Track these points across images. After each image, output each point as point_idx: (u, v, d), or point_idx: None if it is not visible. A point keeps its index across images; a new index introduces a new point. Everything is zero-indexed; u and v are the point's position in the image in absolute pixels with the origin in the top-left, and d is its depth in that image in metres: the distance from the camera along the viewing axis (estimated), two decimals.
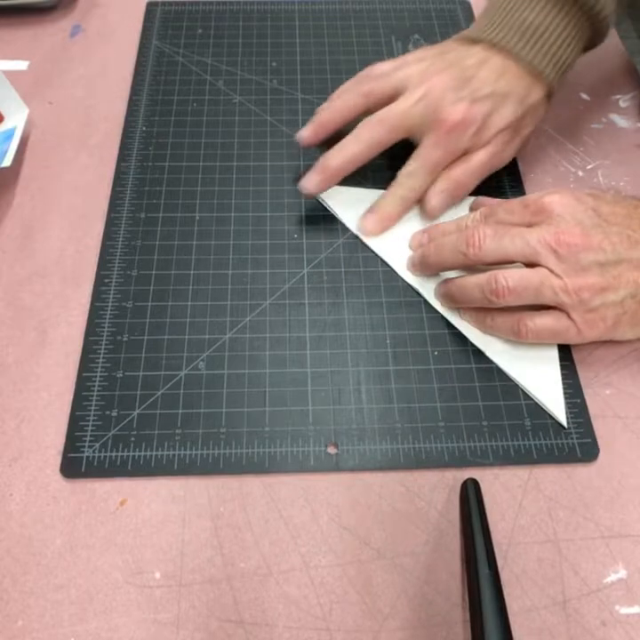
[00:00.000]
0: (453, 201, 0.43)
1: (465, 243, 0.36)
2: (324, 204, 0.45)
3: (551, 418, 0.37)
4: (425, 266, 0.40)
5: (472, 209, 0.44)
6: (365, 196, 0.44)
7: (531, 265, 0.35)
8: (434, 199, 0.42)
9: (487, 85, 0.40)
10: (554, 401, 0.37)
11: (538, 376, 0.38)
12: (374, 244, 0.43)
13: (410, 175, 0.42)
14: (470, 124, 0.40)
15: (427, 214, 0.43)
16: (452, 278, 0.39)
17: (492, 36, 0.41)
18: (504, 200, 0.39)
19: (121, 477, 0.35)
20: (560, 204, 0.35)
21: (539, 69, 0.40)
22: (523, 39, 0.40)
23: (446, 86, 0.40)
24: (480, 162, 0.42)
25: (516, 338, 0.37)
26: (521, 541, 0.34)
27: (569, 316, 0.35)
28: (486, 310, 0.38)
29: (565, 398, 0.37)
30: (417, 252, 0.41)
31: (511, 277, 0.35)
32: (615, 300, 0.34)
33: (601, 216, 0.35)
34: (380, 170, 0.45)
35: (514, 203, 0.38)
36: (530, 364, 0.38)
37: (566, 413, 0.37)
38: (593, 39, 0.42)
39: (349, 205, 0.44)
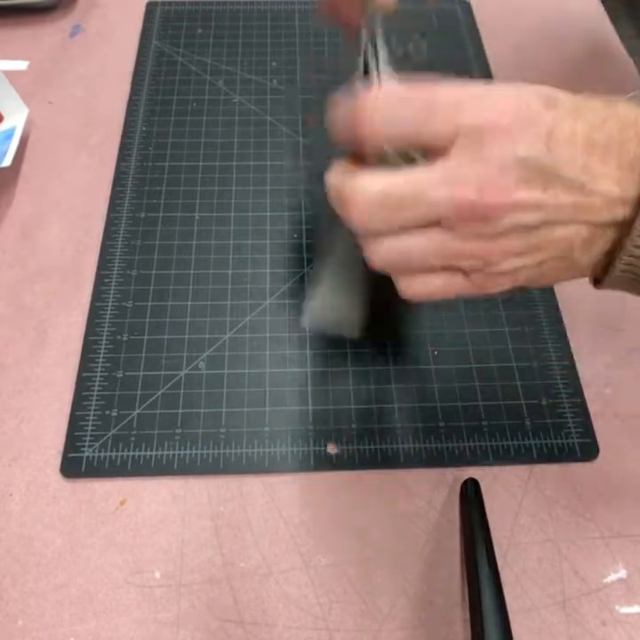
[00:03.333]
0: None
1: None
2: None
3: (551, 417, 0.37)
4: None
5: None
6: None
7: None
8: None
9: None
10: None
11: None
12: None
13: None
14: None
15: None
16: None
17: None
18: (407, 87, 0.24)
19: (121, 477, 0.35)
20: (504, 125, 0.23)
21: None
22: None
23: None
24: None
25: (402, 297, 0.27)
26: (521, 541, 0.34)
27: (467, 277, 0.26)
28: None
29: (565, 398, 0.37)
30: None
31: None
32: (532, 264, 0.25)
33: (553, 148, 0.23)
34: None
35: (420, 95, 0.24)
36: None
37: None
38: None
39: None
